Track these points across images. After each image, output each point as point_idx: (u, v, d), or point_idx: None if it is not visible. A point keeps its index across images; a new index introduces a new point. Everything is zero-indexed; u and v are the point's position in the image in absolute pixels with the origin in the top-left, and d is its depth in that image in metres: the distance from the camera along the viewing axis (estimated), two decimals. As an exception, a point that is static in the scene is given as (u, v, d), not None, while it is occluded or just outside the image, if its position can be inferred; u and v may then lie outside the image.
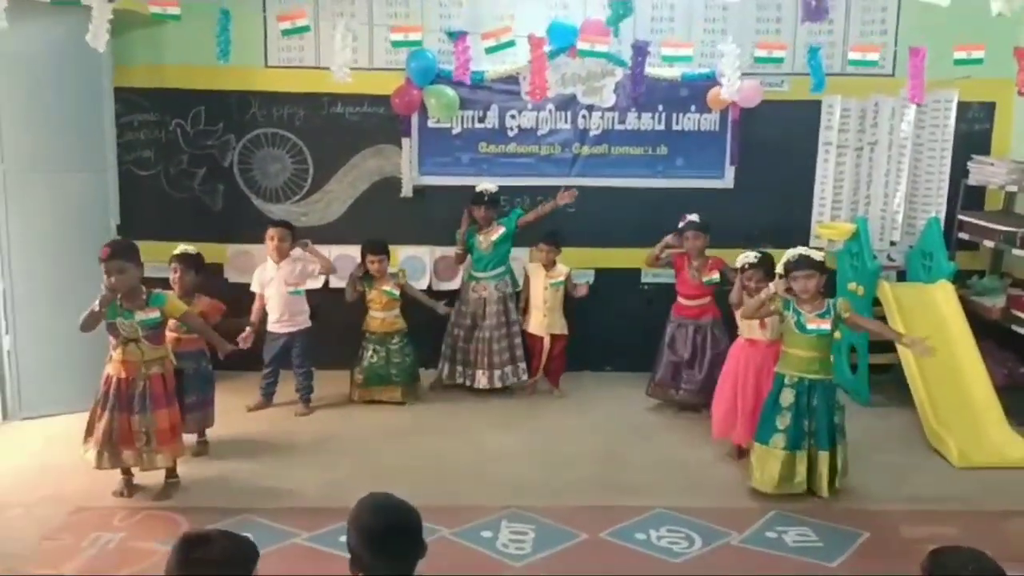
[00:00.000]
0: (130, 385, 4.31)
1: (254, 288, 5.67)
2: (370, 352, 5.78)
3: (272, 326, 5.66)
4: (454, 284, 6.30)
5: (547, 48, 5.54)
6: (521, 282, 6.13)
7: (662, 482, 4.74)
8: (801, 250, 4.49)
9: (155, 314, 4.32)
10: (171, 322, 4.62)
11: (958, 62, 4.99)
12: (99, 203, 5.63)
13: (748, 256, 4.90)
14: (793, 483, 4.48)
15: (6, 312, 5.36)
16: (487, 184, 5.95)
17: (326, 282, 6.11)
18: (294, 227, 5.77)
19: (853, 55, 5.13)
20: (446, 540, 4.02)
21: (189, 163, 6.23)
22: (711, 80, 5.99)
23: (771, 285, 4.53)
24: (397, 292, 5.76)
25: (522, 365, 6.00)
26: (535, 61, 5.37)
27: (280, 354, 5.71)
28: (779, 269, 4.56)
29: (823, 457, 4.47)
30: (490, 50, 5.18)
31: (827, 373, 4.53)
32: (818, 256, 4.46)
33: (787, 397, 4.47)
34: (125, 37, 5.74)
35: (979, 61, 4.93)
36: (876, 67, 5.56)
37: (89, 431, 4.38)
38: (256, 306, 5.64)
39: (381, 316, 5.78)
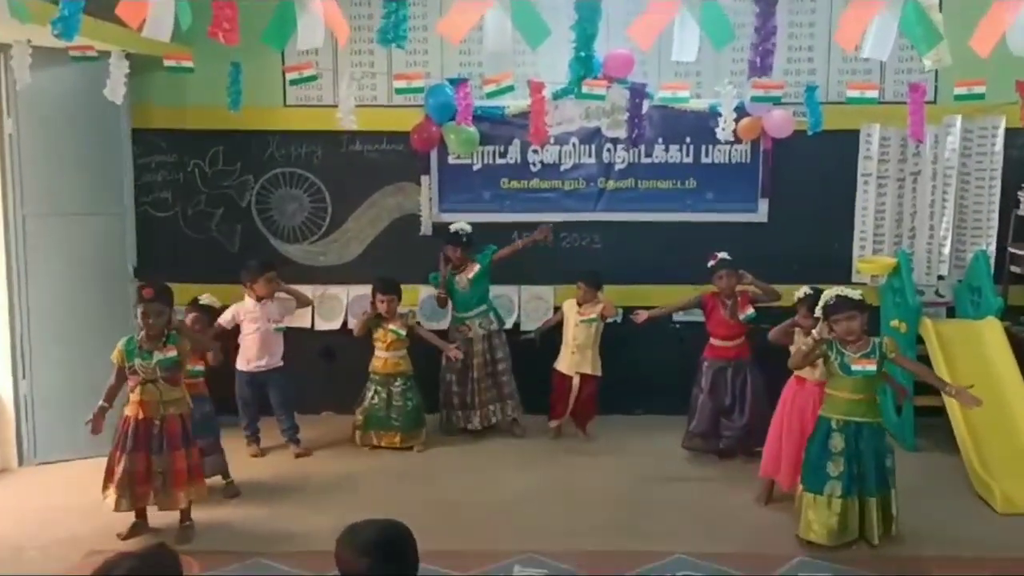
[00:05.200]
0: (148, 425, 4.74)
1: (221, 320, 5.97)
2: (372, 393, 6.16)
3: (246, 366, 6.06)
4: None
5: (553, 89, 6.06)
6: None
7: (686, 527, 4.98)
8: (838, 291, 4.67)
9: (172, 353, 4.76)
10: None
11: (958, 97, 5.24)
12: (116, 246, 6.12)
13: (805, 290, 5.13)
14: (847, 532, 4.66)
15: (23, 356, 5.84)
16: (462, 224, 6.36)
17: (344, 323, 6.55)
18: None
19: (851, 92, 5.43)
20: (458, 583, 4.35)
21: (207, 204, 6.75)
22: (740, 111, 6.25)
23: (814, 332, 4.74)
24: (404, 332, 6.13)
25: (511, 403, 6.39)
26: (534, 105, 5.80)
27: (254, 394, 6.09)
28: (818, 313, 4.74)
29: (873, 503, 4.65)
30: (491, 94, 5.63)
31: (875, 415, 4.72)
32: (856, 295, 4.64)
33: (837, 442, 4.64)
34: (143, 78, 6.21)
35: (980, 96, 5.16)
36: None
37: (109, 476, 4.79)
38: (213, 333, 5.79)
39: (385, 356, 6.15)
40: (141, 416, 4.74)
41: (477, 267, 6.36)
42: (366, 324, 6.18)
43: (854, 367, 4.61)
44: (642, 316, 6.04)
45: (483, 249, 6.42)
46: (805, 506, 4.72)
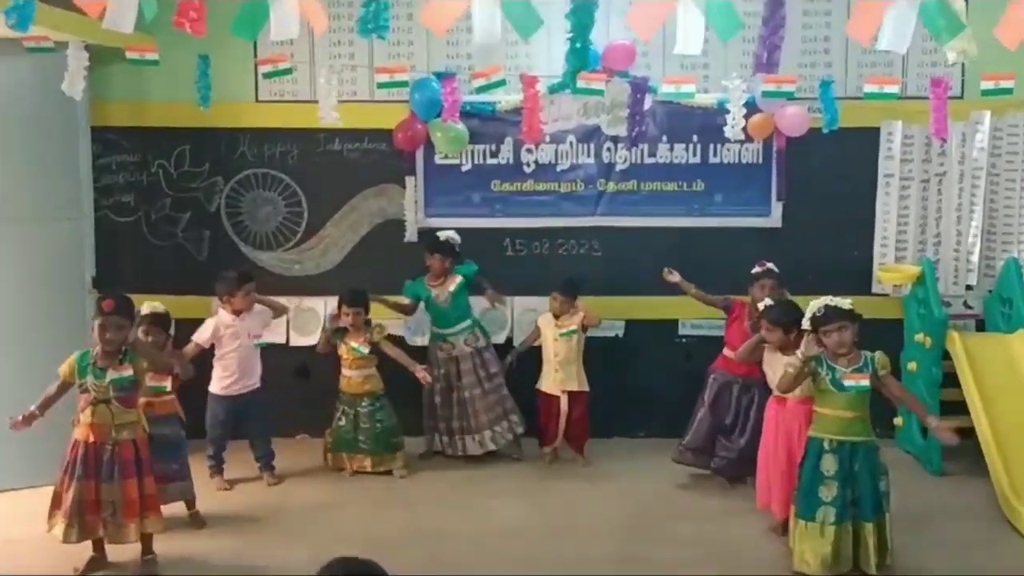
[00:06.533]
0: (98, 451, 4.53)
1: (199, 339, 5.79)
2: (339, 414, 5.99)
3: (223, 389, 5.83)
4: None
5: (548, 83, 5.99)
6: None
7: (689, 559, 4.85)
8: (826, 301, 4.60)
9: (128, 372, 4.57)
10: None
11: (985, 92, 5.16)
12: (73, 254, 5.94)
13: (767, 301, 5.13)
14: (841, 562, 4.52)
15: (-31, 376, 5.63)
16: (449, 232, 6.23)
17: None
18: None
19: (869, 87, 5.29)
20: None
21: (172, 208, 6.60)
22: (751, 107, 6.05)
23: (802, 347, 4.62)
24: (366, 350, 5.91)
25: (514, 418, 6.20)
26: (527, 101, 5.68)
27: (229, 420, 5.85)
28: (806, 325, 4.66)
29: (869, 529, 4.53)
30: (480, 89, 5.55)
31: (868, 434, 4.60)
32: (846, 304, 4.56)
33: (830, 464, 4.52)
34: (104, 71, 6.11)
35: (1009, 91, 5.08)
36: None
37: (55, 503, 4.60)
38: (191, 353, 5.69)
39: (350, 375, 5.98)
40: (91, 440, 4.55)
41: (459, 279, 6.17)
42: (329, 338, 6.01)
43: (847, 382, 4.51)
44: (675, 276, 5.99)
45: (465, 262, 6.25)
46: (798, 535, 4.60)
